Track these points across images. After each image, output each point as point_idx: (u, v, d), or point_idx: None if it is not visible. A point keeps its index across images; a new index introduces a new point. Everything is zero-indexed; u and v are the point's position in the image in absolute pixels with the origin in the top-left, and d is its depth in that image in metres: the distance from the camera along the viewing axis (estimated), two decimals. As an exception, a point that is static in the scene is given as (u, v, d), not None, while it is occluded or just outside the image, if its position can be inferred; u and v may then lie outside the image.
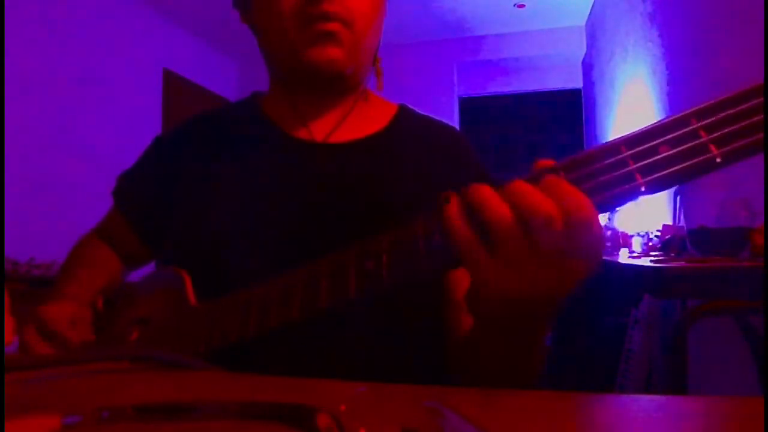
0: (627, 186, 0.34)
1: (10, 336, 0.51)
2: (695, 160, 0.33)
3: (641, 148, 0.35)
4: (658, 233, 2.28)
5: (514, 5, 4.48)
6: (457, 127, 0.88)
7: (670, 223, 2.35)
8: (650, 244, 2.34)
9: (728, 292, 1.30)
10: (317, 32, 0.60)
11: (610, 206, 0.35)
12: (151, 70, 4.28)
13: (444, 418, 0.27)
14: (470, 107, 5.63)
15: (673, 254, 1.91)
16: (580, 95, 5.24)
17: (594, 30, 4.47)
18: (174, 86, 4.47)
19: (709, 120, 0.33)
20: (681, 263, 1.49)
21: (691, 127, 0.33)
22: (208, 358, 0.49)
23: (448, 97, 5.15)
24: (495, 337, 0.45)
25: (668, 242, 2.05)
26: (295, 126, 0.69)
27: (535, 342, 0.46)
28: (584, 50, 4.85)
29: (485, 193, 0.35)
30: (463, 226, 0.36)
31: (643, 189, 0.34)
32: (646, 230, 2.46)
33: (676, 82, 2.52)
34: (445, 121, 0.77)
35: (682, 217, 2.32)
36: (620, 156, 0.35)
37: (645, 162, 0.34)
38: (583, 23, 4.79)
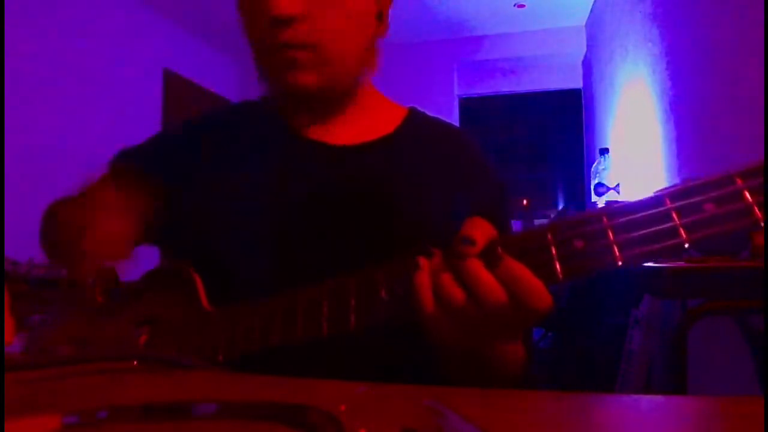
0: (671, 242, 0.34)
1: (10, 336, 0.51)
2: (739, 222, 0.33)
3: (685, 202, 0.34)
4: (658, 233, 2.27)
5: (514, 5, 4.47)
6: (457, 128, 0.88)
7: (670, 223, 2.35)
8: (650, 244, 2.33)
9: (728, 292, 1.30)
10: (283, 60, 0.60)
11: (652, 258, 0.35)
12: (151, 70, 4.28)
13: (444, 418, 0.27)
14: (470, 107, 5.63)
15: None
16: (580, 95, 5.23)
17: (594, 30, 4.46)
18: (174, 86, 4.46)
19: (753, 182, 0.33)
20: (681, 263, 1.49)
21: (735, 188, 0.33)
22: (225, 365, 0.49)
23: (448, 97, 5.14)
24: (456, 362, 0.48)
25: (668, 242, 2.05)
26: (305, 127, 0.69)
27: (498, 359, 0.48)
28: (584, 50, 4.85)
29: (447, 281, 0.39)
30: (429, 298, 0.40)
31: (686, 245, 0.34)
32: (646, 230, 2.45)
33: (677, 82, 2.52)
34: (454, 124, 0.77)
35: (682, 217, 2.31)
36: (664, 209, 0.35)
37: (689, 219, 0.34)
38: (583, 23, 4.79)
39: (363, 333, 0.44)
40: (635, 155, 3.07)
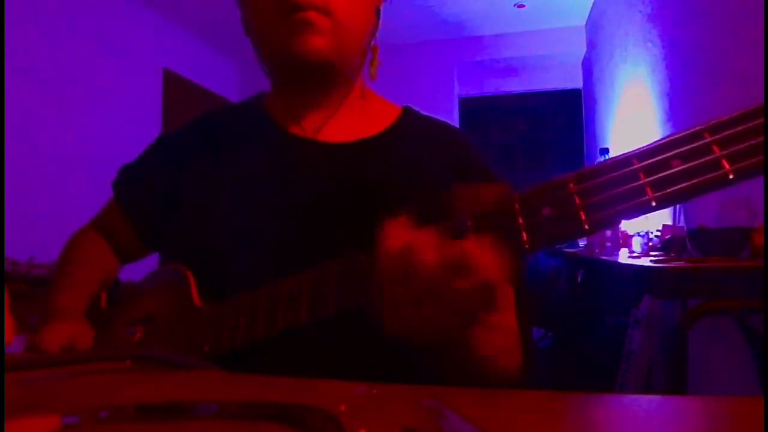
0: (637, 200, 0.34)
1: (10, 336, 0.51)
2: (708, 176, 0.32)
3: (653, 161, 0.34)
4: (658, 233, 2.28)
5: (514, 5, 4.47)
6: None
7: (670, 223, 2.35)
8: (650, 244, 2.34)
9: (728, 292, 1.30)
10: (295, 22, 0.60)
11: (619, 220, 0.35)
12: (151, 70, 4.28)
13: (444, 418, 0.27)
14: (470, 107, 5.63)
15: (673, 254, 1.90)
16: (580, 95, 5.23)
17: (594, 30, 4.46)
18: (174, 86, 4.46)
19: (722, 135, 0.32)
20: (681, 263, 1.49)
21: (703, 142, 0.33)
22: (212, 359, 0.49)
23: (448, 97, 5.15)
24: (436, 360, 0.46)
25: (668, 242, 2.05)
26: (292, 123, 0.69)
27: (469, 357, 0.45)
28: (584, 50, 4.85)
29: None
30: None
31: (653, 204, 0.33)
32: (646, 230, 2.45)
33: (676, 82, 2.52)
34: (448, 122, 0.77)
35: (682, 217, 2.31)
36: (631, 169, 0.34)
37: (656, 176, 0.34)
38: (583, 23, 4.79)
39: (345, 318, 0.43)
40: (635, 155, 3.07)
